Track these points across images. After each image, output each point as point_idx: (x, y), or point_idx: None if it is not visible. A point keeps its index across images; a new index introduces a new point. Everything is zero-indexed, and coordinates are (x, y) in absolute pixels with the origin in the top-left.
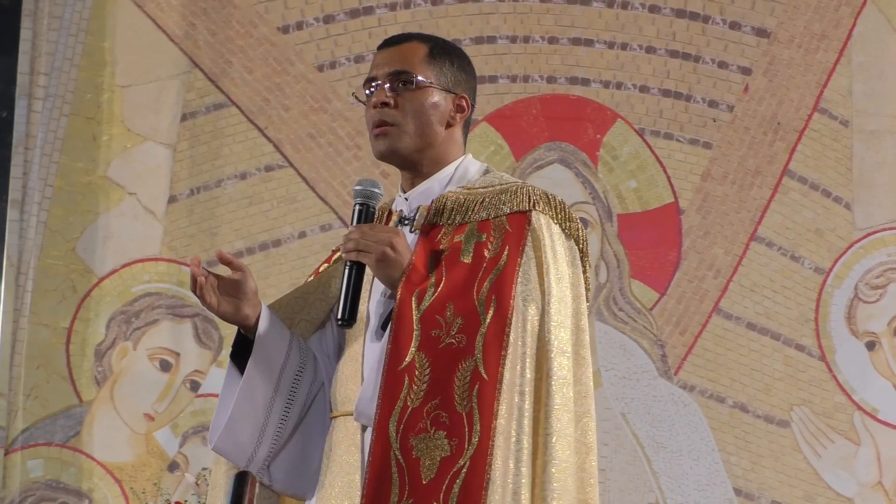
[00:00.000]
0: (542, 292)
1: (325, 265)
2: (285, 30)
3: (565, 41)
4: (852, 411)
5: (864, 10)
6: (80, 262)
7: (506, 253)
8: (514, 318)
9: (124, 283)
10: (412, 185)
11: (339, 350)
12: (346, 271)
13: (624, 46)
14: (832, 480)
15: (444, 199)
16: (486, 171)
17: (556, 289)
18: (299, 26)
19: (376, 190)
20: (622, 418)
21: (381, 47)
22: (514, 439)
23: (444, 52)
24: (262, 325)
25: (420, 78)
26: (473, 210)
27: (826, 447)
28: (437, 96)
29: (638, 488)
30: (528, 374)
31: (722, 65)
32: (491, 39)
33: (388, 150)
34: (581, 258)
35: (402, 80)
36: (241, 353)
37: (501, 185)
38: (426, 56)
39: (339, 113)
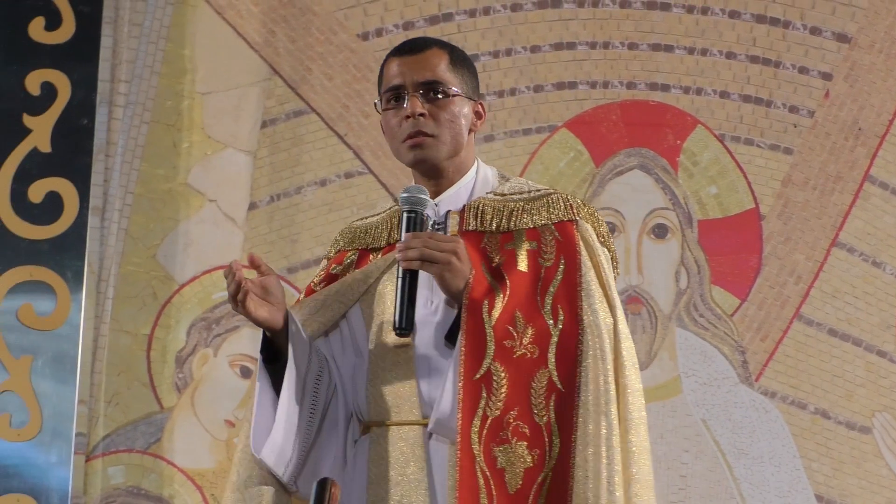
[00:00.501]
0: (610, 305)
1: (336, 265)
2: (365, 37)
3: (645, 47)
4: None
5: None
6: (160, 268)
7: (562, 263)
8: (586, 331)
9: (204, 290)
10: (437, 191)
11: (357, 354)
12: (403, 279)
13: (704, 52)
14: None
15: (480, 205)
16: (502, 176)
17: (617, 300)
18: (379, 33)
19: (424, 196)
20: (703, 425)
21: (399, 53)
22: (604, 455)
23: (462, 58)
24: (293, 330)
25: (454, 88)
26: (516, 217)
27: None
28: (464, 105)
29: (719, 495)
30: (612, 390)
31: (802, 70)
32: (571, 45)
33: (425, 161)
34: (614, 265)
35: (432, 89)
36: (268, 357)
37: (534, 191)
38: (449, 64)
39: None
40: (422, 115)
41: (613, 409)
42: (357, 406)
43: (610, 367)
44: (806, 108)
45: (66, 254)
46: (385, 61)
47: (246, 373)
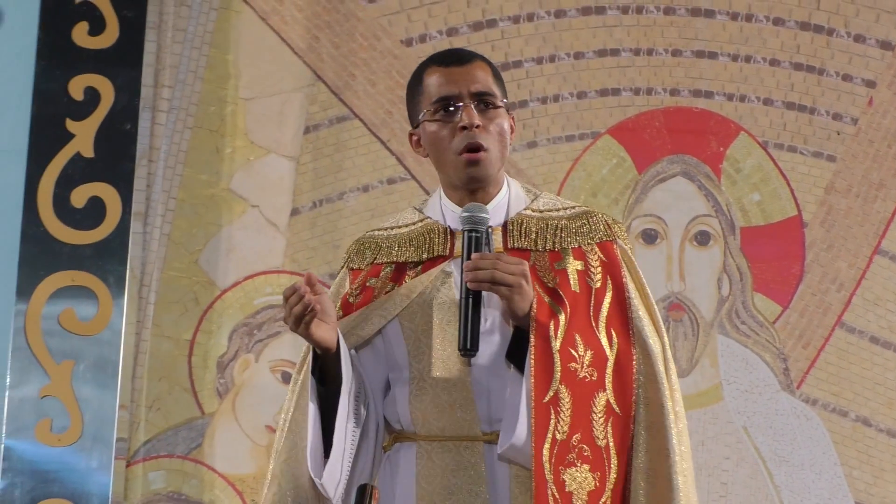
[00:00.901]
0: (657, 328)
1: (372, 278)
2: (408, 43)
3: (689, 53)
4: None
5: None
6: (202, 274)
7: (609, 284)
8: (640, 355)
9: (246, 296)
10: None
11: (392, 368)
12: (467, 299)
13: (748, 59)
14: None
15: (523, 223)
16: (528, 190)
17: (661, 321)
18: (422, 39)
19: (485, 215)
20: (744, 432)
21: (444, 64)
22: (665, 481)
23: (498, 72)
24: (345, 351)
25: (504, 101)
26: (560, 236)
27: None
28: (506, 118)
29: (760, 502)
30: (669, 415)
31: (846, 77)
32: (614, 52)
33: (480, 178)
34: None
35: (485, 101)
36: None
37: (569, 208)
38: (493, 76)
39: None
40: (477, 126)
41: (674, 434)
42: (393, 418)
43: (666, 391)
44: (849, 115)
45: (108, 259)
46: (423, 73)
47: (287, 378)
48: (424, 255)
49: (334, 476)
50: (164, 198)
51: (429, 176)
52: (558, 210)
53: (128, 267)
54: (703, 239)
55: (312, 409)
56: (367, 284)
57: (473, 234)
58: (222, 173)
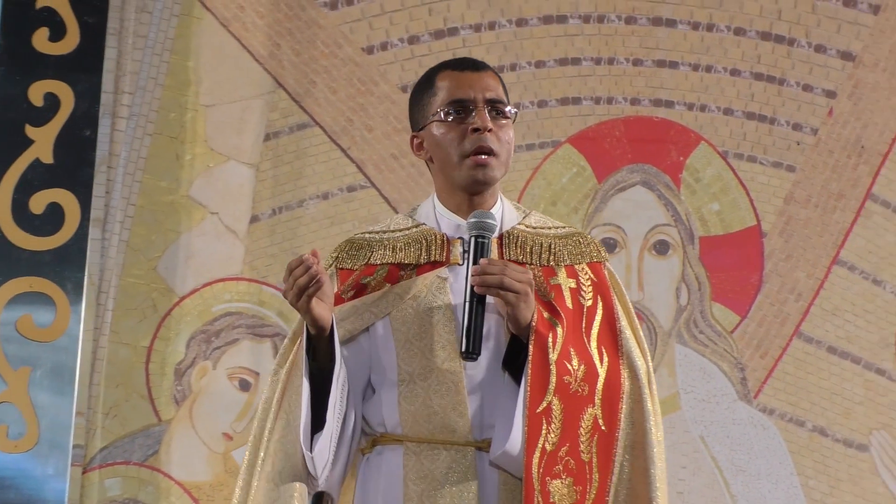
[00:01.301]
0: (642, 350)
1: (367, 276)
2: (370, 50)
3: (649, 63)
4: None
5: None
6: (160, 281)
7: (600, 304)
8: (628, 375)
9: (205, 303)
10: None
11: (375, 369)
12: (472, 303)
13: (708, 69)
14: None
15: (518, 236)
16: (517, 207)
17: (645, 343)
18: (384, 47)
19: (493, 222)
20: (701, 441)
21: (459, 68)
22: (645, 502)
23: (505, 85)
24: (339, 334)
25: (514, 111)
26: (554, 253)
27: None
28: (512, 129)
29: None
30: (651, 436)
31: (807, 88)
32: (575, 61)
33: (486, 182)
34: None
35: (497, 108)
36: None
37: (559, 227)
38: (503, 87)
39: None
40: (489, 130)
41: (658, 457)
42: (376, 420)
43: (650, 414)
44: (809, 125)
45: (66, 265)
46: (435, 76)
47: (245, 385)
48: (420, 260)
49: (323, 455)
50: (124, 204)
51: (389, 184)
52: (549, 228)
53: (86, 273)
54: (661, 248)
55: (306, 387)
56: (361, 282)
57: (481, 240)
58: (182, 180)
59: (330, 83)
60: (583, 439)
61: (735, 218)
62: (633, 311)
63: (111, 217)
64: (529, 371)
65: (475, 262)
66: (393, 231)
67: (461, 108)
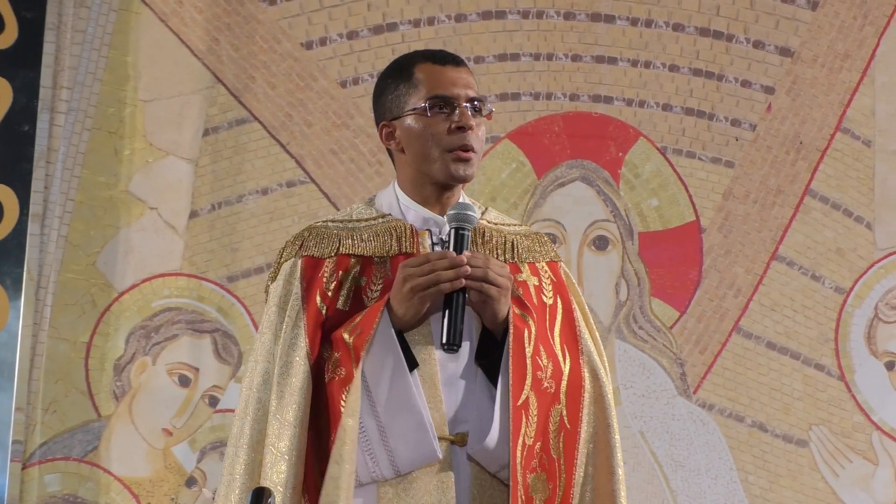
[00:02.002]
0: (598, 349)
1: (342, 272)
2: (309, 46)
3: (589, 59)
4: (871, 431)
5: (888, 29)
6: (100, 276)
7: (559, 303)
8: (588, 374)
9: (144, 298)
10: (443, 209)
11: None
12: (457, 296)
13: (647, 64)
14: (850, 500)
15: (484, 232)
16: (476, 203)
17: (601, 344)
18: (323, 42)
19: (473, 214)
20: (640, 437)
21: (442, 63)
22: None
23: None
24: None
25: (492, 108)
26: (517, 250)
27: (844, 467)
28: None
29: None
30: (613, 433)
31: (745, 83)
32: (514, 56)
33: (466, 177)
34: None
35: (476, 107)
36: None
37: (515, 224)
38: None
39: (361, 129)
40: (471, 128)
41: (619, 450)
42: None
43: (611, 411)
44: (748, 121)
45: (5, 261)
46: (413, 67)
47: (184, 381)
48: (391, 251)
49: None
50: (62, 199)
51: (328, 179)
52: (508, 225)
53: (25, 269)
54: (601, 244)
55: (415, 383)
56: (337, 282)
57: (462, 232)
58: (121, 175)
59: (269, 78)
60: (552, 436)
61: (674, 213)
62: (588, 311)
63: (50, 212)
64: (511, 364)
65: (459, 254)
66: (357, 221)
67: (444, 104)
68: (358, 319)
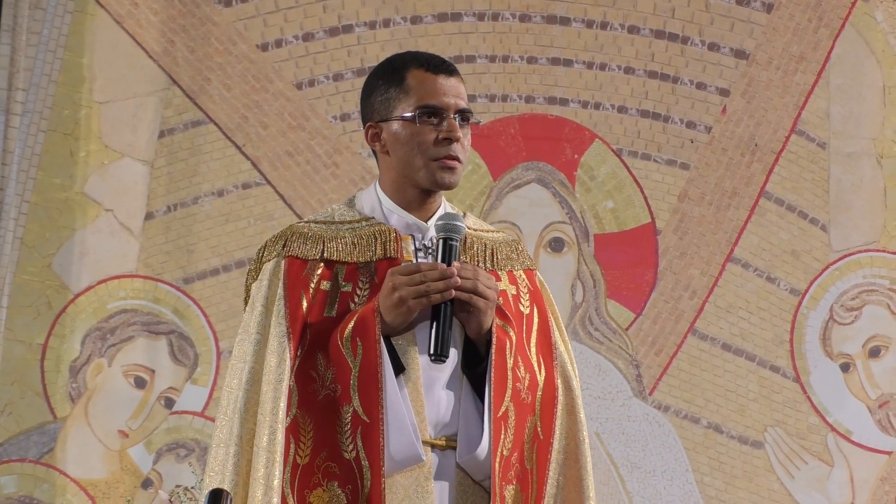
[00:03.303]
0: (571, 361)
1: (326, 282)
2: (264, 47)
3: (544, 61)
4: (826, 433)
5: (843, 32)
6: (55, 278)
7: (535, 313)
8: (561, 383)
9: (100, 300)
10: (426, 216)
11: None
12: (445, 307)
13: (602, 67)
14: (805, 501)
15: (466, 239)
16: (454, 209)
17: (573, 354)
18: (278, 44)
19: (461, 224)
20: (596, 438)
21: (435, 71)
22: None
23: None
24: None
25: (478, 120)
26: (497, 258)
27: (799, 468)
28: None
29: None
30: (584, 443)
31: (700, 86)
32: (470, 59)
33: (451, 185)
34: None
35: (465, 118)
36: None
37: (494, 231)
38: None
39: (317, 131)
40: (458, 140)
41: (589, 462)
42: None
43: (583, 423)
44: (703, 123)
45: None
46: (405, 71)
47: (140, 383)
48: (375, 257)
49: None
50: (18, 201)
51: (284, 181)
52: (487, 231)
53: None
54: (556, 246)
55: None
56: (322, 287)
57: (451, 242)
58: (76, 177)
59: (224, 80)
60: (526, 447)
61: (629, 215)
62: (560, 319)
63: (5, 214)
64: (493, 376)
65: (449, 265)
66: (339, 223)
67: (434, 114)
68: (350, 325)
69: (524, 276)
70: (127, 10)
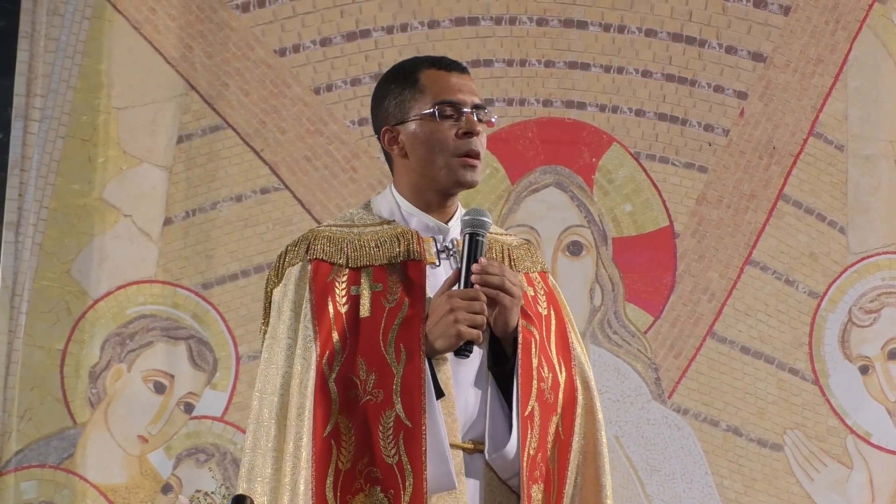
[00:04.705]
0: (587, 362)
1: (355, 286)
2: (282, 52)
3: (561, 65)
4: (845, 435)
5: (860, 35)
6: (74, 283)
7: (553, 314)
8: (581, 385)
9: (119, 305)
10: (445, 217)
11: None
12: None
13: (620, 70)
14: None
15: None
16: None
17: (587, 354)
18: (296, 49)
19: (488, 220)
20: (615, 441)
21: (448, 69)
22: None
23: None
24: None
25: (495, 117)
26: (513, 260)
27: (819, 471)
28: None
29: None
30: (603, 445)
31: (718, 89)
32: (487, 63)
33: (473, 182)
34: None
35: (481, 114)
36: None
37: (508, 234)
38: None
39: (335, 136)
40: (477, 135)
41: (608, 463)
42: None
43: (601, 423)
44: (721, 126)
45: None
46: (418, 72)
47: (160, 388)
48: (399, 258)
49: None
50: (37, 207)
51: (302, 186)
52: (502, 234)
53: None
54: (575, 249)
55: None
56: (352, 293)
57: (479, 238)
58: (95, 183)
59: (242, 85)
60: (550, 447)
61: (647, 219)
62: (574, 322)
63: (24, 220)
64: (519, 375)
65: (473, 260)
66: (360, 227)
67: (452, 110)
68: (394, 329)
69: (539, 279)
70: (144, 15)
